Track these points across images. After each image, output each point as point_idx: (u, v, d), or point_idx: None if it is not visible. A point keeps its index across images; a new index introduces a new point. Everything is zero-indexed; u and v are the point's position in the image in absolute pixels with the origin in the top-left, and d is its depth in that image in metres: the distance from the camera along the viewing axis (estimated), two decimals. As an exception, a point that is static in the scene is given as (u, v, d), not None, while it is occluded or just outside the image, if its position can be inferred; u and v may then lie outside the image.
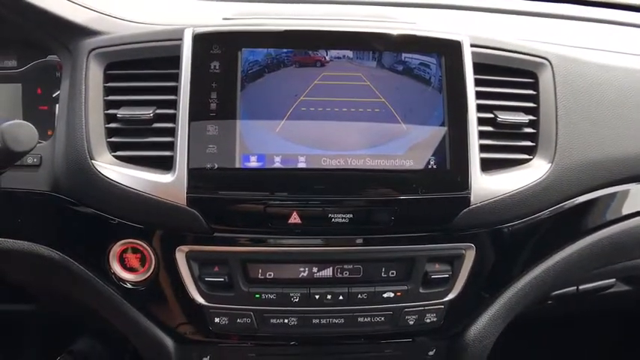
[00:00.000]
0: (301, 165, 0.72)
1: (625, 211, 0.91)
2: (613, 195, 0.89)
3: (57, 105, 0.80)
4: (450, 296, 0.81)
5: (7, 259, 0.82)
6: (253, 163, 0.71)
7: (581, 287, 1.01)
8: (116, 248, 0.77)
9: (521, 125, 0.79)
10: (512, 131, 0.79)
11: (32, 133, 0.66)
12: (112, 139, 0.74)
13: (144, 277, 0.77)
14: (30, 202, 0.79)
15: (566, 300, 1.06)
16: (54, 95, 0.83)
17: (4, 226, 0.79)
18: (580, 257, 0.88)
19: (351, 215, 0.73)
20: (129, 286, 0.78)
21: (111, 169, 0.72)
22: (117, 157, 0.74)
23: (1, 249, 0.79)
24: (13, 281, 0.87)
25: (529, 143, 0.80)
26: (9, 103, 0.84)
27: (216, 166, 0.71)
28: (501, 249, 0.82)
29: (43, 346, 1.58)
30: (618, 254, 0.94)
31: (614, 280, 1.03)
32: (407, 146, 0.73)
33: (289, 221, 0.72)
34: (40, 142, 0.76)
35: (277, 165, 0.71)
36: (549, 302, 1.02)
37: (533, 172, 0.78)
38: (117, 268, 0.77)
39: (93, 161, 0.72)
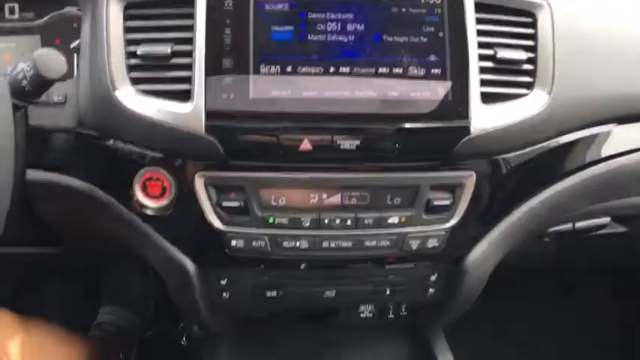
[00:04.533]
0: (311, 95, 0.76)
1: (621, 149, 0.94)
2: (609, 132, 0.93)
3: (75, 55, 0.85)
4: (451, 222, 0.86)
5: (37, 191, 0.87)
6: (265, 92, 0.76)
7: (577, 225, 1.05)
8: (138, 177, 0.82)
9: (520, 62, 0.83)
10: (511, 67, 0.83)
11: (62, 61, 0.71)
12: (133, 74, 0.78)
13: (165, 204, 0.82)
14: (57, 137, 0.85)
15: (562, 242, 1.11)
16: (72, 46, 0.87)
17: (34, 160, 0.85)
18: (574, 191, 0.92)
19: (358, 142, 0.77)
20: (151, 212, 0.83)
21: (133, 100, 0.77)
22: (138, 91, 0.78)
23: (32, 180, 0.85)
24: (41, 214, 0.93)
25: (527, 79, 0.83)
26: (28, 55, 0.89)
27: (232, 96, 0.75)
28: (500, 179, 0.86)
29: (67, 293, 1.65)
30: (612, 191, 0.98)
31: (608, 218, 1.08)
32: (411, 78, 0.78)
33: (300, 148, 0.77)
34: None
35: (288, 95, 0.76)
36: (546, 239, 1.07)
37: (531, 104, 0.82)
38: (140, 195, 0.82)
39: (116, 92, 0.77)
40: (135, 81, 0.78)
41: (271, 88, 0.76)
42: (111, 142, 0.82)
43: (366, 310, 1.10)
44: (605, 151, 0.94)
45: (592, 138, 0.92)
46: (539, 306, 1.70)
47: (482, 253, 0.91)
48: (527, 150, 0.86)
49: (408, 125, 0.78)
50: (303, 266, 0.90)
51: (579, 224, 1.05)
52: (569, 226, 1.05)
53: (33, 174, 0.85)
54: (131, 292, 1.62)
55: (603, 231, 1.09)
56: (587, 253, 1.28)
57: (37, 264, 1.34)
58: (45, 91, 0.74)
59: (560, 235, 1.06)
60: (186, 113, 0.76)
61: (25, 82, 0.69)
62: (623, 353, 1.69)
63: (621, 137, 0.95)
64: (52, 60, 0.70)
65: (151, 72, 0.78)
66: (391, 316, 1.09)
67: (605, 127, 0.93)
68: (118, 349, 1.45)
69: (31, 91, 0.71)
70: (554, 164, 0.91)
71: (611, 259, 1.38)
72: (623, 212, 1.07)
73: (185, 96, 0.76)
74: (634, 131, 0.95)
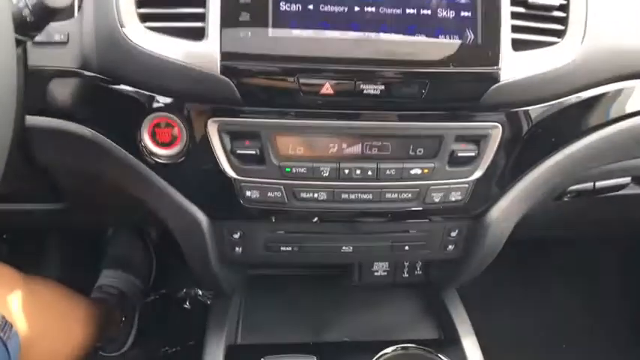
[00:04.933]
0: (334, 35, 0.71)
1: None
2: (633, 88, 0.89)
3: None
4: (475, 175, 0.82)
5: (39, 138, 0.82)
6: (286, 30, 0.71)
7: (597, 184, 1.03)
8: (147, 122, 0.77)
9: (552, 8, 0.79)
10: (543, 13, 0.78)
11: None
12: (142, 10, 0.73)
13: (176, 152, 0.78)
14: (59, 80, 0.79)
15: (580, 204, 1.09)
16: None
17: (34, 105, 0.79)
18: (601, 147, 0.89)
19: (382, 87, 0.73)
20: (162, 161, 0.79)
21: (142, 38, 0.72)
22: (148, 29, 0.73)
23: (32, 126, 0.80)
24: (42, 164, 0.88)
25: (559, 27, 0.79)
26: None
27: (249, 34, 0.70)
28: (527, 131, 0.83)
29: (66, 257, 1.63)
30: (638, 147, 0.95)
31: (629, 178, 1.05)
32: (439, 21, 0.73)
33: (321, 92, 0.72)
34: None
35: (310, 35, 0.71)
36: (566, 199, 1.05)
37: (562, 53, 0.78)
38: (149, 143, 0.78)
39: (123, 29, 0.72)
40: (144, 17, 0.73)
41: (291, 27, 0.71)
42: (117, 84, 0.77)
43: (380, 269, 1.08)
44: (631, 107, 0.91)
45: (618, 93, 0.88)
46: (550, 273, 1.69)
47: (506, 209, 0.88)
48: (554, 102, 0.82)
49: (435, 70, 0.73)
50: (315, 220, 0.86)
51: (600, 183, 1.03)
52: (589, 185, 1.02)
53: (32, 120, 0.79)
54: (133, 257, 1.60)
55: (623, 192, 1.07)
56: (602, 216, 1.26)
57: (39, 223, 1.29)
58: (48, 22, 0.68)
59: (579, 194, 1.03)
60: (199, 52, 0.71)
61: (27, 12, 0.64)
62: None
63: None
64: None
65: (162, 7, 0.73)
66: (405, 275, 1.06)
67: (630, 82, 0.88)
68: (119, 311, 1.43)
69: (33, 22, 0.65)
70: (580, 119, 0.87)
71: (626, 224, 1.36)
72: (647, 172, 1.04)
73: (199, 34, 0.71)
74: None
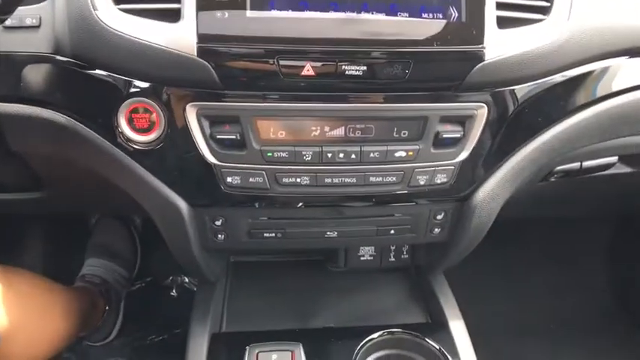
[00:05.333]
0: (314, 15, 0.69)
1: (637, 82, 0.90)
2: (626, 64, 0.88)
3: None
4: (461, 157, 0.81)
5: (12, 126, 0.80)
6: (265, 11, 0.68)
7: (584, 164, 1.02)
8: (124, 109, 0.75)
9: None
10: None
11: None
12: None
13: (155, 138, 0.76)
14: (32, 65, 0.76)
15: (567, 184, 1.08)
16: None
17: (7, 91, 0.77)
18: (588, 126, 0.88)
19: (365, 68, 0.71)
20: (140, 147, 0.77)
21: (115, 20, 0.69)
22: (122, 11, 0.70)
23: (5, 113, 0.77)
24: (18, 151, 0.86)
25: (544, 3, 0.78)
26: None
27: (227, 15, 0.68)
28: (513, 111, 0.81)
29: (46, 246, 1.60)
30: (625, 126, 0.94)
31: (616, 157, 1.05)
32: (422, -1, 0.71)
33: (302, 74, 0.70)
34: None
35: (289, 15, 0.69)
36: (553, 179, 1.04)
37: (548, 31, 0.77)
38: (126, 129, 0.76)
39: (96, 12, 0.69)
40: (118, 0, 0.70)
41: (270, 6, 0.68)
42: (92, 69, 0.74)
43: (366, 254, 1.07)
44: (617, 85, 0.90)
45: (604, 71, 0.87)
46: (538, 255, 1.70)
47: (492, 190, 0.87)
48: (540, 81, 0.81)
49: (418, 49, 0.71)
50: (300, 205, 0.85)
51: (587, 163, 1.02)
52: (576, 164, 1.02)
53: (4, 107, 0.77)
54: (117, 245, 1.58)
55: (610, 171, 1.07)
56: (589, 197, 1.26)
57: (19, 211, 1.27)
58: (17, 5, 0.65)
59: (567, 174, 1.03)
60: (175, 35, 0.69)
61: None
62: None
63: (632, 71, 0.90)
64: None
65: None
66: (392, 259, 1.06)
67: (616, 60, 0.88)
68: (103, 300, 1.41)
69: (1, 4, 0.63)
70: (566, 98, 0.86)
71: (614, 204, 1.37)
72: (632, 151, 1.04)
73: (174, 15, 0.69)
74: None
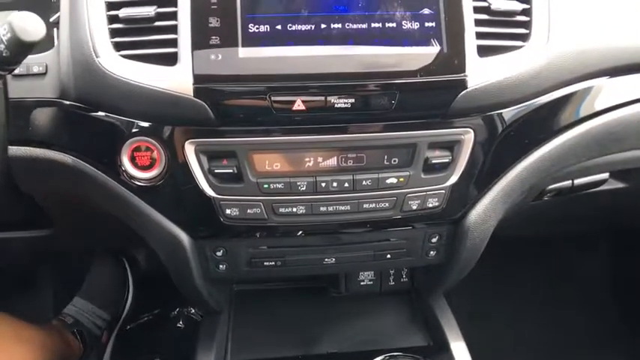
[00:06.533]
0: (303, 53, 0.73)
1: (620, 100, 0.93)
2: (608, 84, 0.91)
3: (55, 29, 0.81)
4: (451, 181, 0.84)
5: (21, 168, 0.84)
6: (255, 52, 0.73)
7: (576, 181, 1.04)
8: (126, 147, 0.78)
9: (514, 13, 0.81)
10: (506, 19, 0.81)
11: (39, 22, 0.67)
12: (116, 39, 0.75)
13: (156, 174, 0.79)
14: (39, 110, 0.81)
15: (560, 203, 1.10)
16: (51, 20, 0.83)
17: (16, 135, 0.81)
18: (575, 145, 0.91)
19: (353, 100, 0.75)
20: (142, 184, 0.80)
21: (117, 66, 0.74)
22: (122, 57, 0.75)
23: (15, 156, 0.81)
24: (28, 191, 0.89)
25: (523, 31, 0.81)
26: (3, 19, 0.85)
27: (220, 57, 0.72)
28: (499, 134, 0.84)
29: (57, 287, 1.63)
30: (612, 143, 0.96)
31: (607, 174, 1.07)
32: (404, 33, 0.75)
33: (293, 108, 0.74)
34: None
35: (279, 54, 0.73)
36: (546, 198, 1.06)
37: (527, 57, 0.80)
38: (129, 167, 0.79)
39: (99, 59, 0.74)
40: (118, 46, 0.75)
41: (261, 47, 0.73)
42: (95, 112, 0.79)
43: (366, 278, 1.09)
44: (600, 104, 0.93)
45: (587, 92, 0.90)
46: (537, 272, 1.70)
47: (484, 212, 0.89)
48: (523, 105, 0.84)
49: (403, 80, 0.75)
50: (300, 233, 0.88)
51: (578, 181, 1.04)
52: (568, 183, 1.04)
53: (15, 150, 0.81)
54: (102, 287, 1.61)
55: (603, 187, 1.08)
56: (584, 214, 1.27)
57: (28, 249, 1.30)
58: (25, 56, 0.70)
59: (559, 193, 1.05)
60: (173, 77, 0.73)
61: (2, 47, 0.66)
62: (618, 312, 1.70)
63: (613, 91, 0.93)
64: (29, 21, 0.66)
65: (135, 36, 0.75)
66: (392, 283, 1.07)
67: (597, 81, 0.91)
68: (77, 341, 1.43)
69: (9, 56, 0.67)
70: (551, 119, 0.89)
71: (608, 220, 1.38)
72: (622, 167, 1.06)
73: (171, 59, 0.73)
74: (625, 84, 0.93)
